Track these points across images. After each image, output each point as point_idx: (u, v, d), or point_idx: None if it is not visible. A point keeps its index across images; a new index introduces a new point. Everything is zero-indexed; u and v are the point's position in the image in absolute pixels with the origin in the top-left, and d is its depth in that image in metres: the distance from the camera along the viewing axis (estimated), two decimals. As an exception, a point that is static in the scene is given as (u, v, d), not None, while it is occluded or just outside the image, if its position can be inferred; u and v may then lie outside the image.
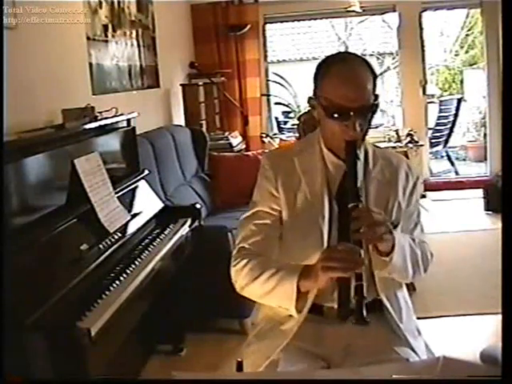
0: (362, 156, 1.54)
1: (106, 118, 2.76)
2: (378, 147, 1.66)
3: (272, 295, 1.47)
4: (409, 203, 1.59)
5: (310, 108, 1.57)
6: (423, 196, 5.77)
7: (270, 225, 1.55)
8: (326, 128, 1.52)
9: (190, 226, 2.89)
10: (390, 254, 1.43)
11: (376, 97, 1.48)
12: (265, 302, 1.55)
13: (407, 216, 1.59)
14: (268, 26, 6.16)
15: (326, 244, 1.51)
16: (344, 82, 1.43)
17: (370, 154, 1.58)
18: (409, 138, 5.52)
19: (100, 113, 2.77)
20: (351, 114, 1.42)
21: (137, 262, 2.32)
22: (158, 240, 2.62)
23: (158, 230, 2.74)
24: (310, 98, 1.54)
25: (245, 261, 1.51)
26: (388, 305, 1.54)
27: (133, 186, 2.77)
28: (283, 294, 1.44)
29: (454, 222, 5.01)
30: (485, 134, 6.57)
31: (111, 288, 2.04)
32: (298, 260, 1.50)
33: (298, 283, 1.41)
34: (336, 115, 1.44)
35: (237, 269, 1.52)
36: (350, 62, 1.48)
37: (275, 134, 6.24)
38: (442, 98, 8.47)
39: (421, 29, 5.96)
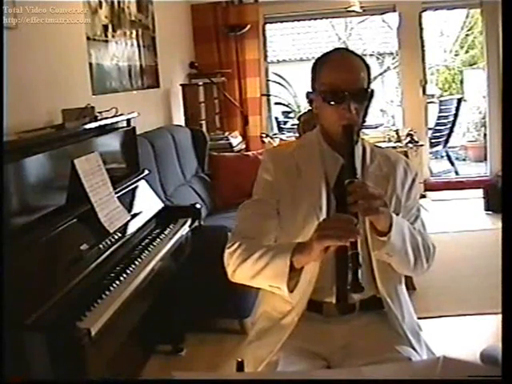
0: (359, 152, 1.59)
1: (105, 118, 2.76)
2: (376, 146, 1.69)
3: (264, 273, 1.44)
4: (408, 198, 1.61)
5: (308, 103, 1.61)
6: (423, 196, 5.77)
7: (266, 213, 1.57)
8: (323, 117, 1.57)
9: (190, 226, 2.89)
10: (388, 234, 1.43)
11: (372, 91, 1.54)
12: (256, 284, 1.52)
13: (407, 211, 1.60)
14: (268, 26, 6.16)
15: None
16: (338, 66, 1.53)
17: (368, 150, 1.62)
18: (409, 138, 5.52)
19: (100, 113, 2.77)
20: (346, 94, 1.48)
21: (137, 262, 2.32)
22: (158, 240, 2.62)
23: (157, 230, 2.74)
24: (308, 93, 1.60)
25: (238, 243, 1.51)
26: (389, 301, 1.55)
27: (133, 186, 2.77)
28: (276, 270, 1.41)
29: (454, 222, 5.01)
30: (485, 134, 6.58)
31: (111, 288, 2.04)
32: None
33: (292, 259, 1.39)
34: (332, 101, 1.50)
35: (230, 251, 1.52)
36: (345, 53, 1.59)
37: (275, 134, 6.24)
38: (441, 98, 8.47)
39: (421, 29, 5.96)
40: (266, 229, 1.55)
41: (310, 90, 1.59)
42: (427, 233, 1.63)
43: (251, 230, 1.55)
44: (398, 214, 1.54)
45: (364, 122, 1.56)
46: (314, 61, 1.60)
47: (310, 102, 1.60)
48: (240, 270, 1.50)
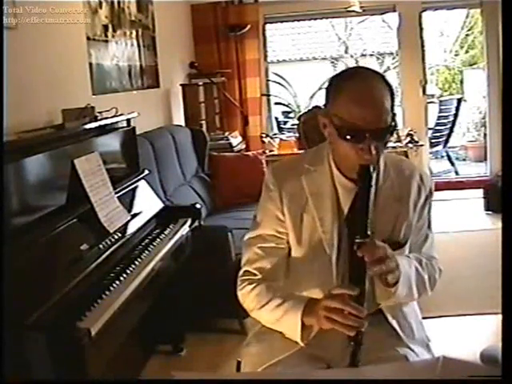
0: (374, 176, 1.43)
1: (105, 118, 2.76)
2: (388, 156, 1.54)
3: (278, 325, 1.46)
4: (419, 217, 1.53)
5: (322, 127, 1.43)
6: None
7: (275, 248, 1.50)
8: (337, 149, 1.42)
9: (190, 226, 2.89)
10: (396, 285, 1.39)
11: (394, 115, 1.37)
12: (273, 328, 1.51)
13: (417, 230, 1.54)
14: (268, 26, 6.16)
15: (334, 270, 1.47)
16: (360, 100, 1.32)
17: (382, 167, 1.49)
18: (409, 138, 5.52)
19: (100, 113, 2.77)
20: (367, 135, 1.31)
21: (137, 262, 2.32)
22: (158, 240, 2.62)
23: (158, 230, 2.73)
24: (320, 116, 1.43)
25: (250, 286, 1.49)
26: (396, 325, 1.50)
27: (133, 186, 2.77)
28: (288, 326, 1.42)
29: (454, 222, 5.00)
30: (485, 134, 6.57)
31: (111, 288, 2.04)
32: (305, 284, 1.49)
33: (302, 318, 1.39)
34: (349, 137, 1.33)
35: (243, 293, 1.51)
36: (366, 79, 1.37)
37: (275, 134, 6.23)
38: (441, 98, 8.47)
39: (421, 29, 5.96)
40: (276, 266, 1.50)
41: (323, 113, 1.41)
42: (435, 251, 1.58)
43: (261, 271, 1.50)
44: (406, 241, 1.49)
45: (383, 152, 1.41)
46: (329, 79, 1.43)
47: (323, 125, 1.42)
48: (255, 315, 1.51)
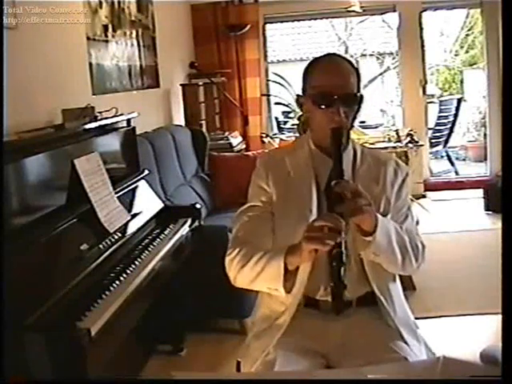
0: (350, 155, 1.63)
1: (106, 118, 2.76)
2: (366, 147, 1.74)
3: (262, 277, 1.50)
4: (398, 198, 1.63)
5: (298, 106, 1.67)
6: (423, 196, 5.78)
7: (261, 216, 1.61)
8: (313, 120, 1.60)
9: (190, 226, 2.89)
10: (374, 234, 1.45)
11: (361, 96, 1.57)
12: (256, 287, 1.57)
13: (396, 210, 1.62)
14: (268, 26, 6.16)
15: None
16: (328, 70, 1.57)
17: (359, 152, 1.65)
18: (409, 138, 5.52)
19: (100, 113, 2.77)
20: (335, 98, 1.51)
21: (137, 262, 2.32)
22: (158, 240, 2.62)
23: (158, 230, 2.74)
24: (298, 96, 1.64)
25: (237, 249, 1.56)
26: (381, 297, 1.57)
27: (133, 186, 2.77)
28: (272, 273, 1.47)
29: (454, 222, 5.00)
30: (485, 134, 6.58)
31: (111, 288, 2.04)
32: None
33: (285, 261, 1.44)
34: (322, 104, 1.53)
35: (230, 257, 1.58)
36: (335, 58, 1.62)
37: (275, 134, 6.24)
38: (441, 98, 8.47)
39: (421, 29, 5.96)
40: (262, 232, 1.59)
41: (301, 94, 1.62)
42: (418, 231, 1.66)
43: (248, 235, 1.59)
44: (387, 215, 1.57)
45: (352, 126, 1.60)
46: (305, 65, 1.63)
47: (301, 105, 1.64)
48: (240, 275, 1.56)
